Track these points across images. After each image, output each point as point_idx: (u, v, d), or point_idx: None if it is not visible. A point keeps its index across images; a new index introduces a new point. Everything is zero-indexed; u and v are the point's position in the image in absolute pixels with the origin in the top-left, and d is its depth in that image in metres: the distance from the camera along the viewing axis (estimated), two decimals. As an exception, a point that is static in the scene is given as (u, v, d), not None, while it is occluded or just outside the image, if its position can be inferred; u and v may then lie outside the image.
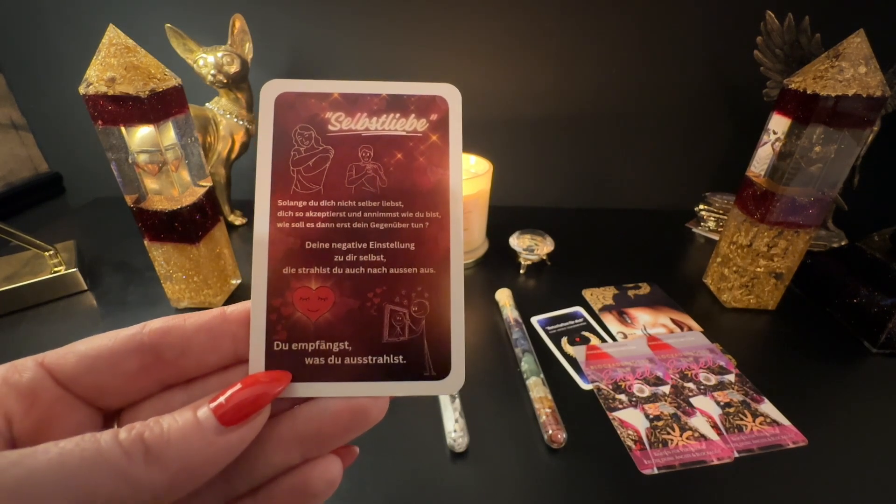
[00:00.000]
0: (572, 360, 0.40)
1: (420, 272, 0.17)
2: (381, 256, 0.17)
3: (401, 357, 0.16)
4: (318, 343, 0.16)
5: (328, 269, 0.16)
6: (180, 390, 0.16)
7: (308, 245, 0.16)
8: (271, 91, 0.17)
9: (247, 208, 0.67)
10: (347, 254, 0.17)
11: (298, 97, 0.17)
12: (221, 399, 0.13)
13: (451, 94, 0.18)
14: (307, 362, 0.16)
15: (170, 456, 0.12)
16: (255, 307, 0.16)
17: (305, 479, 0.15)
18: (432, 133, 0.17)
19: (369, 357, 0.16)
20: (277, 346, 0.16)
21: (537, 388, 0.36)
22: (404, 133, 0.17)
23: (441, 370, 0.16)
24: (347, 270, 0.16)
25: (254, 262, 0.16)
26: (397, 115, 0.17)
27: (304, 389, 0.16)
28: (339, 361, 0.16)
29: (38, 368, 0.14)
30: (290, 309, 0.16)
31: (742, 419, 0.34)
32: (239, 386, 0.14)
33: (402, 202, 0.17)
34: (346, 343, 0.16)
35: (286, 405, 0.16)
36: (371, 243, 0.17)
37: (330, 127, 0.17)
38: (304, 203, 0.17)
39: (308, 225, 0.17)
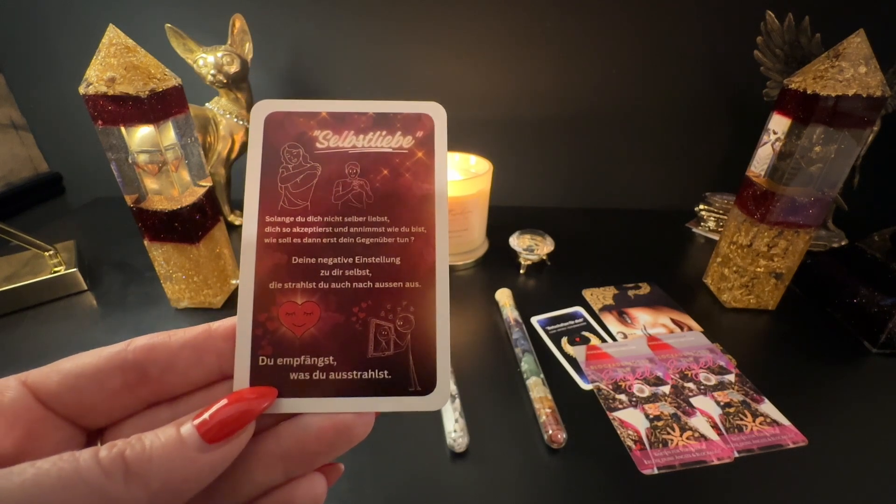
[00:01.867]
0: (572, 360, 0.40)
1: (405, 286, 0.17)
2: (367, 271, 0.17)
3: (386, 372, 0.16)
4: (303, 358, 0.16)
5: (314, 283, 0.16)
6: (165, 407, 0.16)
7: (294, 260, 0.17)
8: (261, 111, 0.18)
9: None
10: (333, 268, 0.17)
11: (287, 116, 0.18)
12: (205, 416, 0.13)
13: (436, 112, 0.18)
14: (292, 378, 0.16)
15: (151, 474, 0.12)
16: (241, 322, 0.16)
17: (289, 499, 0.15)
18: (418, 149, 0.18)
19: (354, 372, 0.16)
20: (262, 361, 0.16)
21: (537, 388, 0.36)
22: (390, 150, 0.18)
23: (426, 385, 0.16)
24: (333, 285, 0.17)
25: (241, 277, 0.16)
26: (384, 132, 0.18)
27: (288, 405, 0.15)
28: (324, 377, 0.16)
29: (21, 387, 0.14)
30: (275, 324, 0.16)
31: (742, 419, 0.34)
32: (223, 402, 0.14)
33: (388, 217, 0.17)
34: (332, 358, 0.16)
35: (270, 422, 0.15)
36: (357, 258, 0.17)
37: (318, 144, 0.17)
38: (292, 219, 0.17)
39: (295, 240, 0.17)
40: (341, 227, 0.17)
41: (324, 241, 0.17)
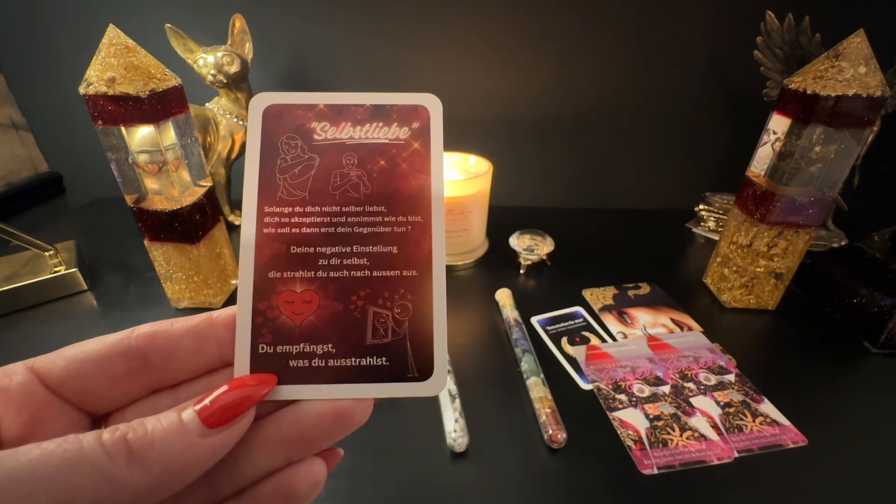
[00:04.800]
0: (572, 360, 0.40)
1: (403, 275, 0.17)
2: (365, 260, 0.17)
3: (384, 359, 0.16)
4: (302, 346, 0.16)
5: (313, 272, 0.17)
6: (167, 394, 0.16)
7: (293, 249, 0.17)
8: (259, 103, 0.18)
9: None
10: (332, 257, 0.17)
11: (285, 108, 0.18)
12: (206, 401, 0.14)
13: (432, 104, 0.18)
14: (291, 365, 0.16)
15: (153, 457, 0.12)
16: (241, 310, 0.16)
17: (289, 482, 0.15)
18: (414, 140, 0.18)
19: (353, 359, 0.16)
20: (262, 348, 0.16)
21: (537, 388, 0.36)
22: (387, 141, 0.18)
23: (424, 372, 0.16)
24: (332, 274, 0.17)
25: (240, 267, 0.17)
26: (380, 123, 0.18)
27: (288, 392, 0.16)
28: (323, 364, 0.16)
29: (28, 373, 0.15)
30: (275, 312, 0.16)
31: (742, 419, 0.34)
32: (224, 388, 0.14)
33: (385, 207, 0.17)
34: (330, 345, 0.16)
35: (270, 408, 0.16)
36: (355, 247, 0.17)
37: (315, 136, 0.18)
38: (290, 209, 0.17)
39: (293, 230, 0.17)
40: (339, 217, 0.17)
41: (322, 230, 0.17)
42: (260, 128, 0.18)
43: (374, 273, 0.17)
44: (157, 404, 0.16)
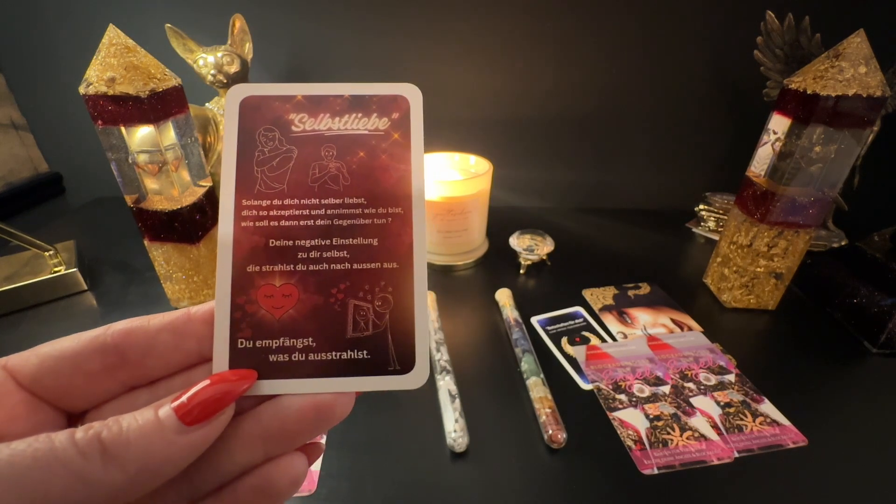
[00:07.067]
0: (572, 360, 0.40)
1: (383, 267, 0.17)
2: (345, 252, 0.17)
3: (365, 352, 0.16)
4: (282, 340, 0.16)
5: (292, 266, 0.17)
6: (145, 391, 0.16)
7: (272, 243, 0.17)
8: (236, 95, 0.18)
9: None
10: (311, 250, 0.17)
11: (263, 100, 0.18)
12: (184, 398, 0.13)
13: (412, 93, 0.18)
14: (271, 359, 0.16)
15: (128, 456, 0.12)
16: (220, 305, 0.16)
17: (269, 477, 0.15)
18: (394, 131, 0.18)
19: (333, 353, 0.16)
20: (241, 343, 0.16)
21: (537, 388, 0.36)
22: (366, 132, 0.18)
23: (405, 364, 0.16)
24: (311, 267, 0.17)
25: (218, 261, 0.16)
26: (359, 114, 0.18)
27: (268, 387, 0.16)
28: (304, 358, 0.16)
29: (1, 371, 0.14)
30: (254, 307, 0.16)
31: (742, 419, 0.34)
32: (202, 384, 0.14)
33: (365, 199, 0.17)
34: (311, 339, 0.16)
35: (250, 403, 0.15)
36: (334, 240, 0.17)
37: (293, 128, 0.17)
38: (269, 202, 0.17)
39: (272, 223, 0.17)
40: (318, 210, 0.17)
41: (301, 223, 0.17)
42: (237, 120, 0.17)
43: (355, 266, 0.17)
44: (134, 402, 0.16)
